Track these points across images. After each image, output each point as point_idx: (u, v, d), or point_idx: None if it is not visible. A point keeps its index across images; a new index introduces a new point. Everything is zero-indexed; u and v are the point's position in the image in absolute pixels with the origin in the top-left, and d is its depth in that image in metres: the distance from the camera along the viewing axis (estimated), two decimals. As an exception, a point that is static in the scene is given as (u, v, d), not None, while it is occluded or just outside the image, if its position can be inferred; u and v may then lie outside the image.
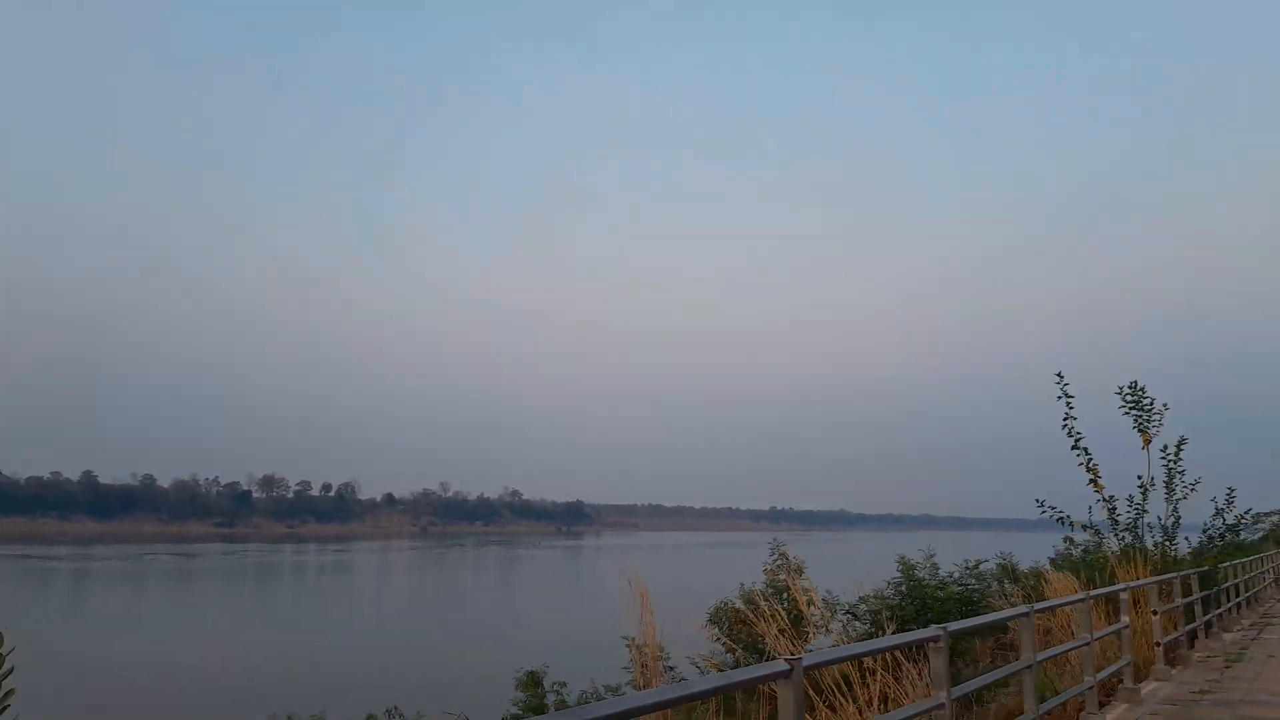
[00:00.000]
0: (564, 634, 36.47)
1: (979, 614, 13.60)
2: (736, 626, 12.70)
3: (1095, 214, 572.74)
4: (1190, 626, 13.39)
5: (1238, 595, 17.61)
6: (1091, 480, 14.82)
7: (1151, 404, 14.95)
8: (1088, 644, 8.21)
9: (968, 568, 15.18)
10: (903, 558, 13.75)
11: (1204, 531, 16.20)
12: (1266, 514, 28.20)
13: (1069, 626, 12.82)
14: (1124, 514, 14.90)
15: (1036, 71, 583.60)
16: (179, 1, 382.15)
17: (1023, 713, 9.69)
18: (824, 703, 8.54)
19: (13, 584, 74.50)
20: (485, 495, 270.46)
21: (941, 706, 5.19)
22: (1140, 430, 14.97)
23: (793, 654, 8.61)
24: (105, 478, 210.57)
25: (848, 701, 8.26)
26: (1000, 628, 13.91)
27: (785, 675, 3.82)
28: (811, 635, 11.29)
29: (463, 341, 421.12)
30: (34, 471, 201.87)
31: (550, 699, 15.06)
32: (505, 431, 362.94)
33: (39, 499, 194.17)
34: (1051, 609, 9.15)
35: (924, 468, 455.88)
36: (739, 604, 13.24)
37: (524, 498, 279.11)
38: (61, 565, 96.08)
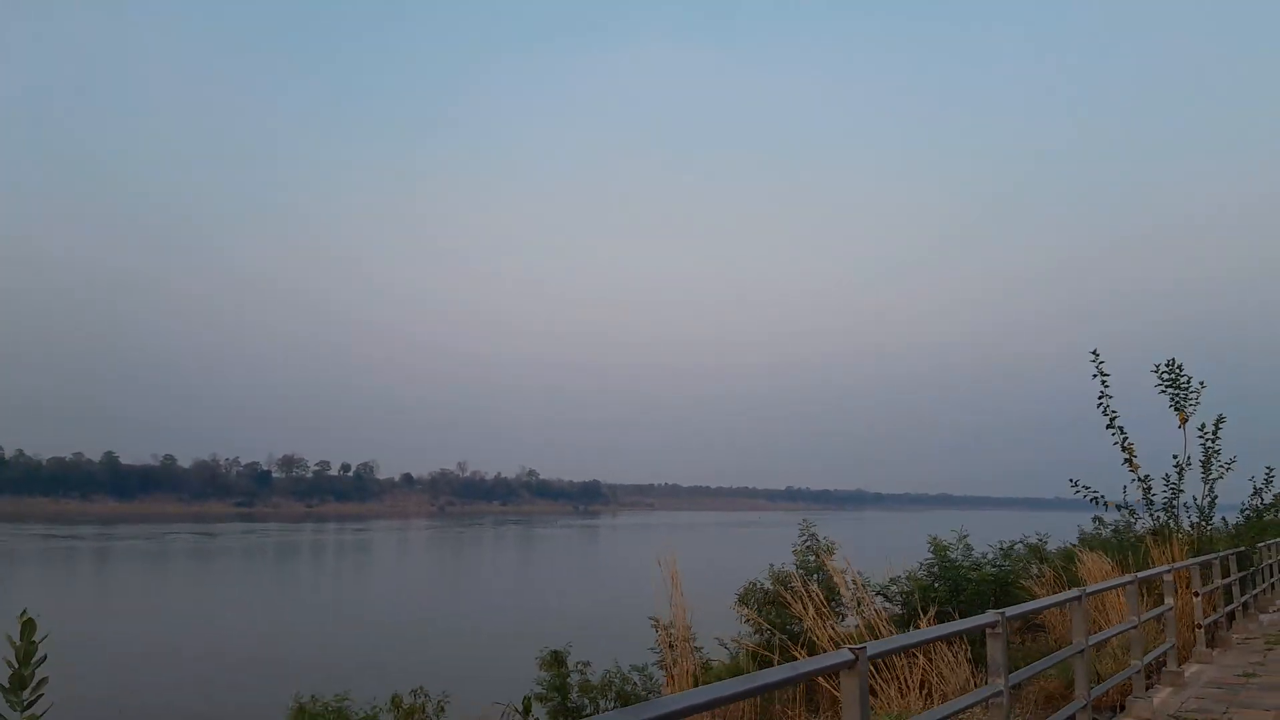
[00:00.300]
0: (585, 613, 36.57)
1: (1014, 596, 13.43)
2: (765, 607, 12.56)
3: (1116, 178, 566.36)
4: (1229, 608, 13.15)
5: (1272, 576, 17.34)
6: (1127, 460, 14.57)
7: (1189, 382, 14.66)
8: (1135, 626, 8.01)
9: (1002, 548, 14.96)
10: (935, 538, 13.55)
11: (1241, 511, 15.92)
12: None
13: (1105, 608, 12.63)
14: (1159, 494, 14.67)
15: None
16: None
17: (1062, 696, 9.58)
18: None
19: (38, 564, 75.38)
20: (503, 475, 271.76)
21: (999, 694, 5.02)
22: (1177, 409, 14.69)
23: (834, 637, 8.49)
24: (126, 458, 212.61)
25: (888, 684, 8.13)
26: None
27: (850, 665, 3.65)
28: (843, 617, 11.16)
29: (480, 322, 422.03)
30: (56, 452, 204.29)
31: (574, 678, 15.00)
32: (522, 411, 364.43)
33: (61, 479, 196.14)
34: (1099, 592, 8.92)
35: (941, 447, 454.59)
36: (769, 584, 13.12)
37: (541, 477, 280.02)
38: (85, 545, 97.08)
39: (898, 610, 12.70)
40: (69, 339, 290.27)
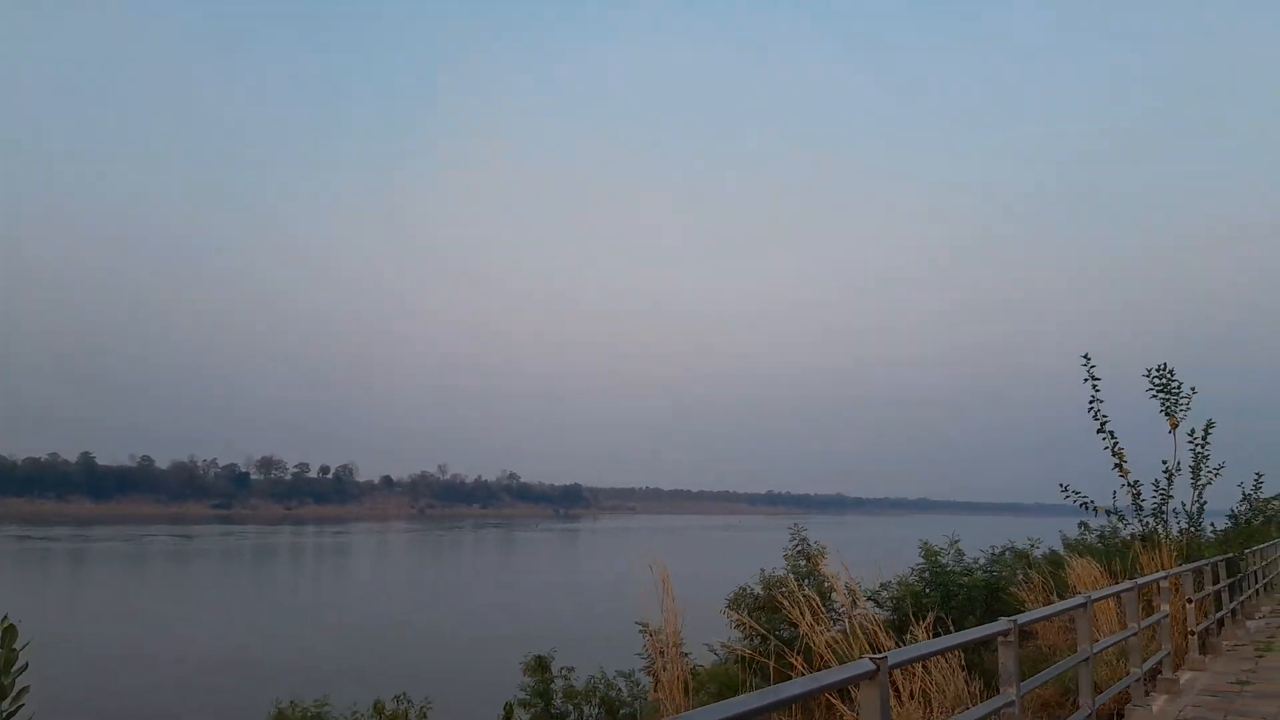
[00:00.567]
0: (568, 618, 36.34)
1: (1004, 602, 13.33)
2: (756, 613, 12.41)
3: (1087, 203, 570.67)
4: (1219, 614, 13.11)
5: (1257, 582, 17.36)
6: (1117, 464, 14.52)
7: (1179, 387, 14.63)
8: (1134, 634, 7.91)
9: (993, 554, 14.88)
10: (925, 543, 13.44)
11: (1229, 516, 15.91)
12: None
13: (1094, 614, 12.57)
14: (1148, 499, 14.62)
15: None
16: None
17: (1058, 704, 9.47)
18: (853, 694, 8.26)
19: (13, 565, 74.38)
20: (483, 478, 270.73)
21: (1012, 704, 4.89)
22: (1167, 414, 14.65)
23: (831, 644, 8.33)
24: (103, 459, 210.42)
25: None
26: (1010, 612, 13.64)
27: (871, 676, 3.50)
28: (835, 623, 11.02)
29: (462, 325, 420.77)
30: (31, 452, 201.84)
31: (558, 684, 14.83)
32: (503, 415, 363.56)
33: (37, 480, 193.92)
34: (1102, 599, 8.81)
35: (921, 452, 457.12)
36: (759, 589, 12.97)
37: (522, 480, 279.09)
38: (61, 546, 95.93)
39: (889, 616, 12.59)
40: (46, 340, 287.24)
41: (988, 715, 4.70)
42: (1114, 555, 14.86)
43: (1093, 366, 15.03)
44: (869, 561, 14.92)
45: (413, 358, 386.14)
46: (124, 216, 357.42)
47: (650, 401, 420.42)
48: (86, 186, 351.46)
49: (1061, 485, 15.01)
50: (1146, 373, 14.90)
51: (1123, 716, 8.09)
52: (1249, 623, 15.04)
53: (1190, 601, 10.72)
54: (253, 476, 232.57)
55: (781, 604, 9.22)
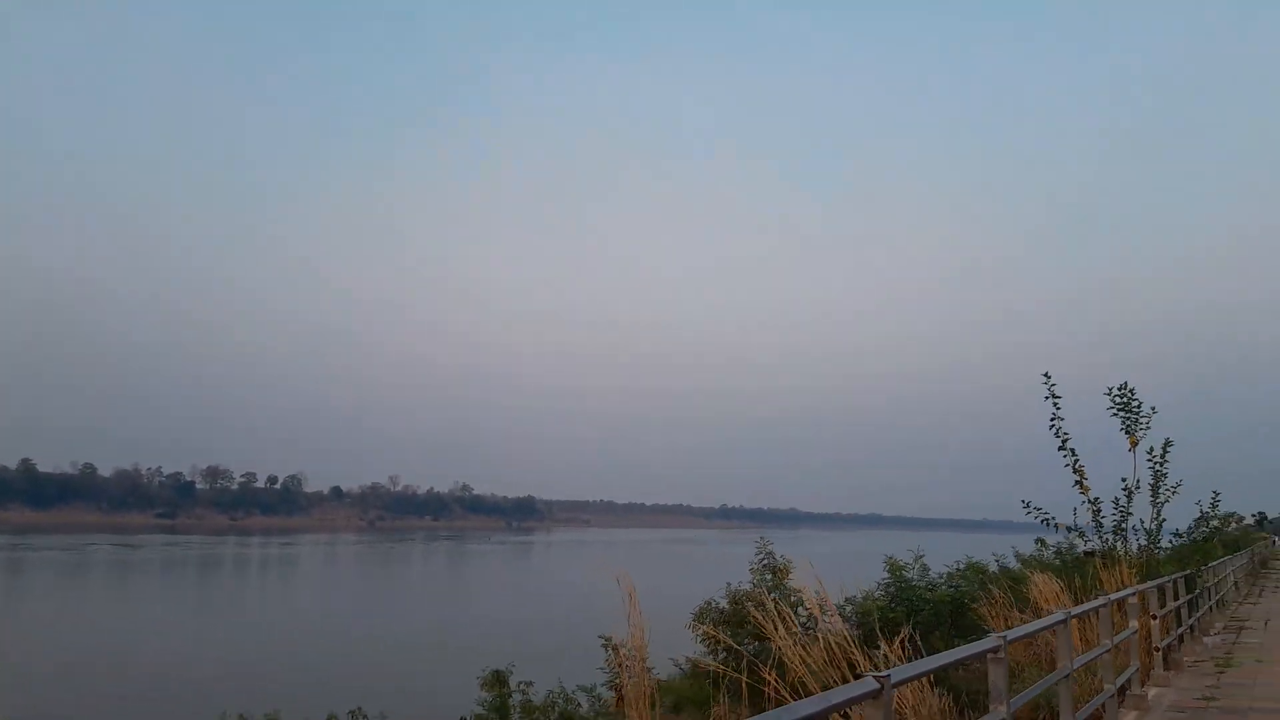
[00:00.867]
0: (526, 632, 35.89)
1: (968, 618, 13.34)
2: (721, 626, 12.28)
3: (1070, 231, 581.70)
4: (1178, 630, 13.24)
5: (1211, 599, 17.61)
6: (1078, 481, 14.64)
7: (1140, 406, 14.80)
8: (1108, 650, 7.89)
9: (955, 569, 14.89)
10: (891, 559, 13.42)
11: (1189, 534, 16.09)
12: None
13: (1054, 630, 12.60)
14: (1108, 516, 14.76)
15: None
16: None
17: (1028, 720, 9.44)
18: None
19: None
20: (435, 490, 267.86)
21: (1002, 721, 4.79)
22: (1127, 432, 14.81)
23: (805, 660, 8.20)
24: (44, 465, 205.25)
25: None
26: (974, 627, 13.66)
27: (874, 695, 3.36)
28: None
29: (419, 334, 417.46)
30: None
31: (515, 699, 14.58)
32: (457, 425, 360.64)
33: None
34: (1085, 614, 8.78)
35: (871, 469, 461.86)
36: (724, 604, 12.87)
37: (475, 492, 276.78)
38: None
39: (853, 631, 12.51)
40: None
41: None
42: (1072, 571, 14.96)
43: (1053, 385, 15.18)
44: (830, 576, 14.90)
45: (365, 365, 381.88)
46: (76, 211, 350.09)
47: (605, 414, 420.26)
48: (42, 179, 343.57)
49: (1024, 502, 15.14)
50: (1108, 391, 15.06)
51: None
52: (1205, 639, 15.22)
53: (1155, 618, 10.78)
54: (198, 486, 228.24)
55: (755, 617, 9.08)
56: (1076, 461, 14.78)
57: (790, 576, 12.54)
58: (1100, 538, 14.71)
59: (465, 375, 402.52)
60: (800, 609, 11.28)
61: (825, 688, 8.14)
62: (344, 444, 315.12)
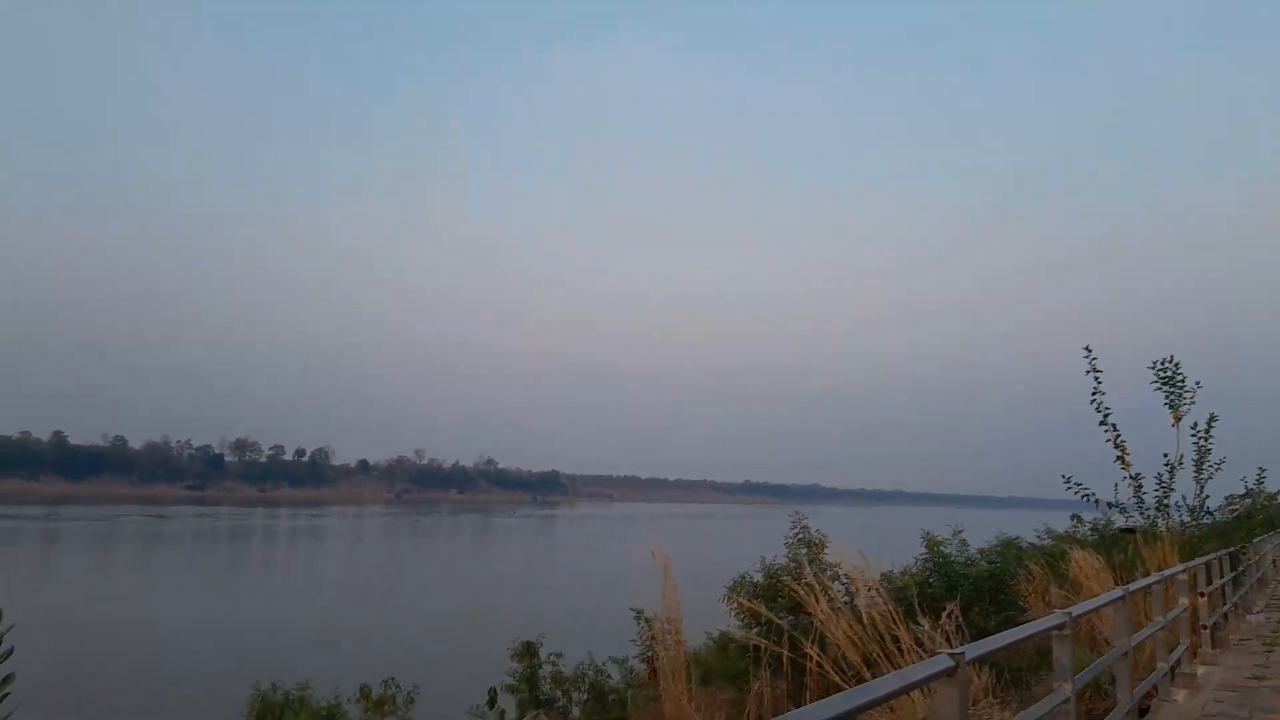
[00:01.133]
0: (552, 603, 36.04)
1: (1008, 594, 13.14)
2: (756, 600, 12.15)
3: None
4: (1224, 608, 12.98)
5: (1254, 575, 17.29)
6: (1119, 457, 14.36)
7: (1184, 381, 14.47)
8: (1162, 628, 7.69)
9: (996, 544, 14.66)
10: (928, 534, 13.22)
11: (1224, 510, 15.76)
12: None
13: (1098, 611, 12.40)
14: (1149, 493, 14.48)
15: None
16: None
17: (1078, 697, 9.26)
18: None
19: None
20: (460, 463, 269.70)
21: (1067, 701, 4.62)
22: (1171, 407, 14.49)
23: (849, 634, 8.07)
24: (76, 438, 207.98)
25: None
26: (1013, 604, 13.47)
27: (949, 673, 3.20)
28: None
29: (441, 309, 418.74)
30: (2, 430, 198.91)
31: (545, 670, 14.56)
32: (482, 400, 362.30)
33: (7, 459, 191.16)
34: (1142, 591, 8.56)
35: (896, 444, 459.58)
36: (759, 577, 12.74)
37: (499, 466, 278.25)
38: (33, 525, 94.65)
39: (888, 608, 12.35)
40: (20, 319, 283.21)
41: (1045, 714, 4.41)
42: (1109, 547, 14.72)
43: (1094, 359, 14.87)
44: (863, 551, 14.72)
45: (390, 342, 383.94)
46: (107, 193, 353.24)
47: (629, 390, 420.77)
48: (79, 162, 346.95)
49: (1064, 477, 14.83)
50: (1152, 365, 14.73)
51: (1148, 711, 7.87)
52: (1249, 617, 14.94)
53: (1203, 595, 10.54)
54: (227, 459, 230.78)
55: (795, 591, 8.93)
56: (1118, 437, 14.50)
57: (826, 551, 12.38)
58: (1142, 514, 14.44)
59: (491, 352, 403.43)
60: (838, 583, 11.12)
61: (868, 662, 8.00)
62: (370, 418, 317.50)
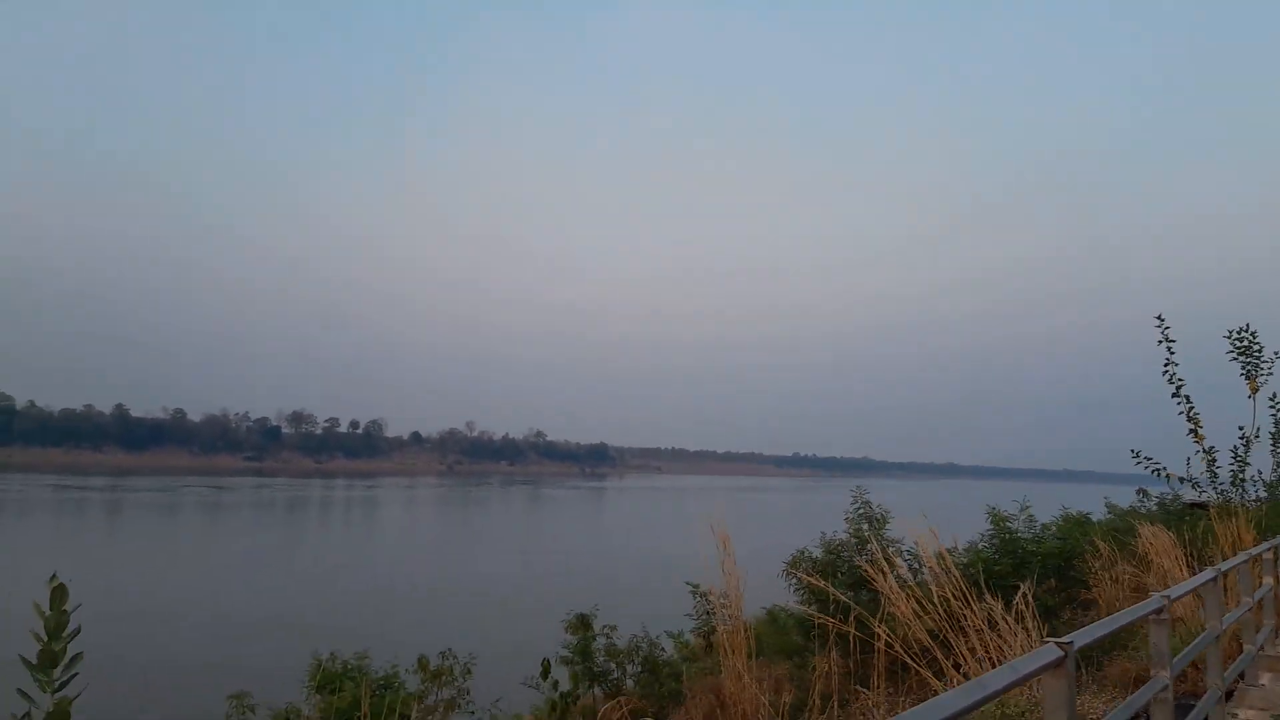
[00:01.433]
0: (605, 575, 36.17)
1: (1076, 570, 12.78)
2: (815, 576, 11.95)
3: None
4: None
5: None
6: (1192, 430, 13.89)
7: (1261, 350, 13.93)
8: (1250, 608, 7.36)
9: (1066, 519, 14.26)
10: (993, 509, 12.89)
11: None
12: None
13: (1168, 583, 11.97)
14: (1224, 467, 14.00)
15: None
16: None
17: (1141, 680, 8.94)
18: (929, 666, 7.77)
19: (53, 514, 75.46)
20: (510, 436, 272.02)
21: (1165, 688, 4.37)
22: (1248, 378, 13.97)
23: (919, 613, 7.83)
24: (137, 411, 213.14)
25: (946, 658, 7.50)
26: (1079, 581, 13.09)
27: (1057, 664, 2.99)
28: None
29: (491, 285, 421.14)
30: (67, 404, 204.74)
31: (599, 642, 14.54)
32: (531, 374, 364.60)
33: (72, 431, 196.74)
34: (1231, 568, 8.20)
35: (947, 417, 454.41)
36: (818, 552, 12.55)
37: (548, 439, 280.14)
38: (99, 496, 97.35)
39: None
40: (80, 301, 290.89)
41: (1147, 702, 4.18)
42: (1177, 523, 14.26)
43: (1167, 328, 14.37)
44: (917, 527, 14.41)
45: (441, 318, 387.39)
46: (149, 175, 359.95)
47: (677, 361, 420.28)
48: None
49: (1133, 451, 14.40)
50: (1228, 334, 14.20)
51: (1232, 695, 7.56)
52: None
53: (1286, 574, 10.11)
54: (284, 430, 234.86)
55: (865, 570, 8.72)
56: (1191, 409, 14.02)
57: (889, 526, 12.13)
58: (1216, 489, 13.96)
59: (541, 329, 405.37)
60: (901, 558, 10.88)
61: (938, 641, 7.78)
62: (423, 391, 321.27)
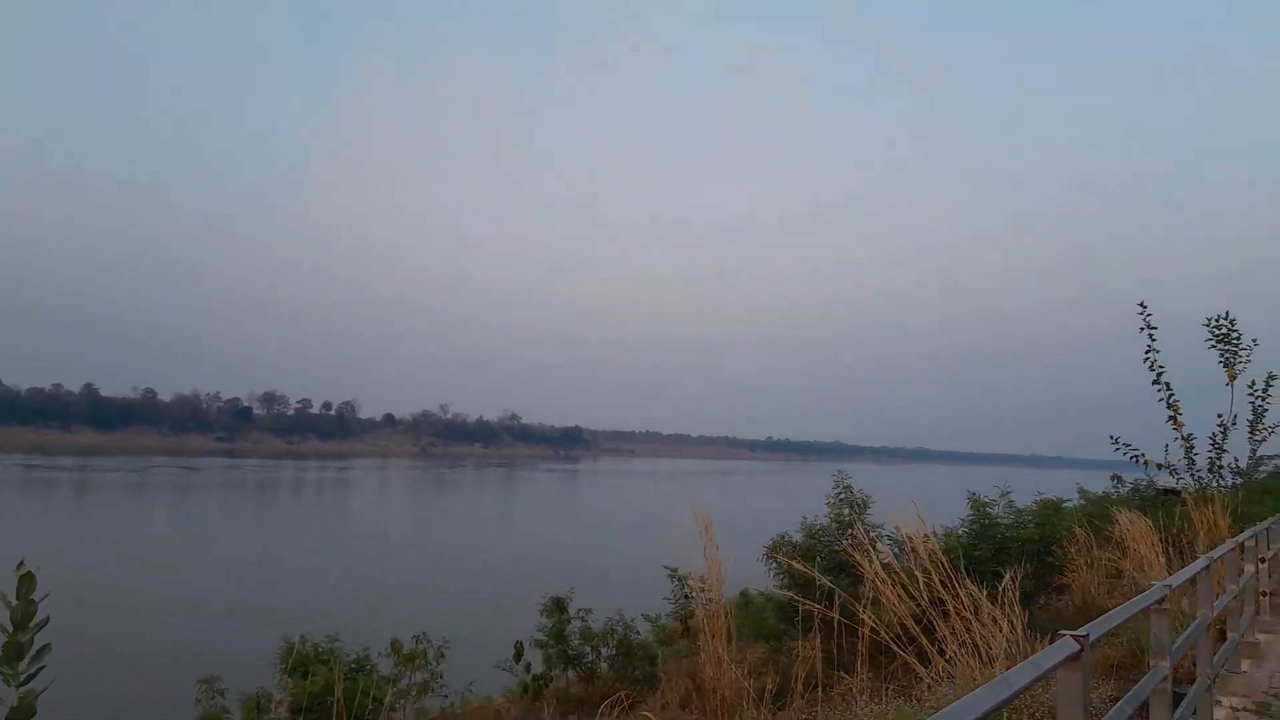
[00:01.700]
0: (580, 559, 36.08)
1: (1055, 556, 12.77)
2: (793, 561, 11.87)
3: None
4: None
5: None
6: (1171, 417, 13.96)
7: (1239, 338, 13.99)
8: (1235, 596, 7.32)
9: (1043, 505, 14.24)
10: (974, 495, 12.84)
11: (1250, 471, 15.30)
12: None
13: (1145, 570, 12.00)
14: (1201, 454, 14.09)
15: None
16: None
17: (1134, 665, 8.92)
18: (913, 650, 7.68)
19: (18, 494, 74.39)
20: (484, 418, 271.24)
21: (1165, 678, 4.28)
22: (1226, 365, 14.03)
23: (902, 598, 7.74)
24: (106, 391, 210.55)
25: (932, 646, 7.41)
26: (1057, 567, 13.10)
27: (1073, 658, 2.86)
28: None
29: (468, 264, 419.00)
30: (35, 382, 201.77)
31: (574, 626, 14.42)
32: (505, 356, 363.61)
33: (40, 410, 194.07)
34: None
35: (917, 402, 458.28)
36: (798, 536, 12.45)
37: (523, 422, 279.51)
38: (66, 476, 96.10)
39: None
40: (53, 274, 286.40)
41: (1149, 695, 4.08)
42: (1151, 509, 14.31)
43: (1149, 315, 14.41)
44: (893, 513, 14.35)
45: (415, 297, 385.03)
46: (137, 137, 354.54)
47: (651, 344, 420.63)
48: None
49: (1112, 437, 14.46)
50: (1206, 322, 14.25)
51: (1214, 682, 7.52)
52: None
53: (1264, 560, 10.14)
54: (255, 411, 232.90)
55: (849, 554, 8.62)
56: (1171, 396, 14.09)
57: (870, 510, 12.05)
58: (1193, 475, 14.04)
59: (514, 308, 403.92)
60: (882, 543, 10.79)
61: (922, 627, 7.70)
62: (396, 373, 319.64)
